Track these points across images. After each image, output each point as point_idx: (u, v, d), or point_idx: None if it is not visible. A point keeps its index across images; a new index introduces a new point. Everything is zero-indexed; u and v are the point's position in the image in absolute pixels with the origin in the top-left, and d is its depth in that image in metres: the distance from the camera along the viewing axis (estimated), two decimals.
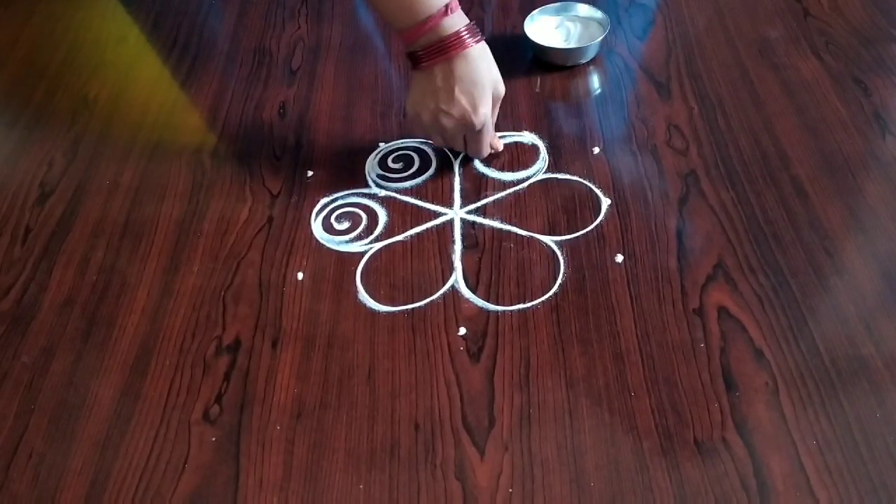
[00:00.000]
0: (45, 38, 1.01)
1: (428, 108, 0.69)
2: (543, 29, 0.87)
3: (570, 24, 0.87)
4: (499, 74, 0.69)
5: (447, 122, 0.68)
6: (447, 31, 0.64)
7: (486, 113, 0.68)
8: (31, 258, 0.72)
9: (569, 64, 0.85)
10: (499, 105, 0.71)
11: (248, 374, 0.61)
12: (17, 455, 0.58)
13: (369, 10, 0.99)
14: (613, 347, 0.59)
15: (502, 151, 0.76)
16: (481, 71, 0.66)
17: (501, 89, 0.70)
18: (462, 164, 0.76)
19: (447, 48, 0.65)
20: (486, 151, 0.74)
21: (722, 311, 0.61)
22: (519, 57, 0.86)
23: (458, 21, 0.65)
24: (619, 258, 0.65)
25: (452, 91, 0.66)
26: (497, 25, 0.92)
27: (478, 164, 0.75)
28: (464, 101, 0.67)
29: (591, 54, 0.85)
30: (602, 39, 0.83)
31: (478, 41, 0.66)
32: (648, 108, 0.79)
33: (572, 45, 0.85)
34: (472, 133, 0.70)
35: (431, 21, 0.64)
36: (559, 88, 0.83)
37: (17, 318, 0.67)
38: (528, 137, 0.77)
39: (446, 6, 0.64)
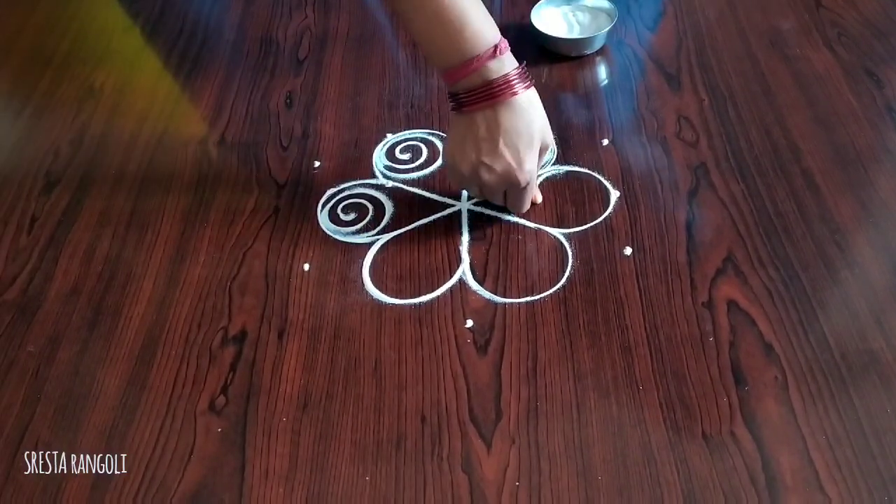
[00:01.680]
0: (50, 27, 1.01)
1: (468, 159, 0.62)
2: (551, 19, 0.86)
3: (578, 14, 0.86)
4: (547, 122, 0.62)
5: (488, 177, 0.61)
6: (494, 75, 0.58)
7: (531, 170, 0.61)
8: (37, 248, 0.72)
9: (576, 54, 0.84)
10: (545, 156, 0.65)
11: (254, 365, 0.61)
12: (23, 444, 0.58)
13: (381, 6, 0.98)
14: (622, 340, 0.59)
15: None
16: (529, 121, 0.60)
17: (549, 139, 0.63)
18: None
19: (494, 94, 0.58)
20: (527, 206, 0.67)
21: (731, 304, 0.60)
22: (526, 47, 0.86)
23: (507, 64, 0.58)
24: (628, 251, 0.65)
25: (497, 143, 0.59)
26: (505, 15, 0.91)
27: None
28: (508, 155, 0.60)
29: (598, 44, 0.84)
30: (610, 30, 0.83)
31: (527, 87, 0.59)
32: (658, 100, 0.78)
33: (580, 35, 0.84)
34: (514, 189, 0.63)
35: (477, 62, 0.57)
36: (567, 79, 0.82)
37: (23, 308, 0.67)
38: None
39: (495, 47, 0.58)
